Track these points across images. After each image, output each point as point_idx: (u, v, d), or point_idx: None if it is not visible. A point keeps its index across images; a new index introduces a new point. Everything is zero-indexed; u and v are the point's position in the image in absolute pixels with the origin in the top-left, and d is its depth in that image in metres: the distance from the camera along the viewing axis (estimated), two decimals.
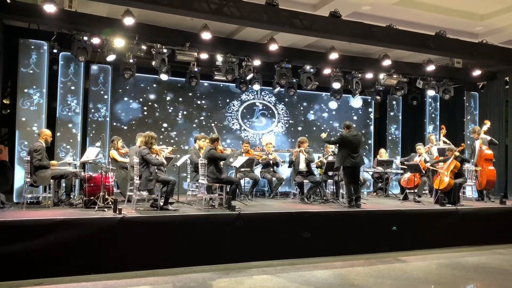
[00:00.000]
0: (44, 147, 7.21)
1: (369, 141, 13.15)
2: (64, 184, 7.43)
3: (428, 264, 6.69)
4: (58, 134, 9.00)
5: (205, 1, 7.05)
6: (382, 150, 11.17)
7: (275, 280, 5.67)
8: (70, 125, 9.10)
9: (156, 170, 7.10)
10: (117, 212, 6.08)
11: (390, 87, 11.90)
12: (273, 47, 8.95)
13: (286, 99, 12.17)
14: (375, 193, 10.97)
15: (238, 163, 8.44)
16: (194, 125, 11.26)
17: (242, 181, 9.10)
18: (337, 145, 8.13)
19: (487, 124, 9.82)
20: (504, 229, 8.42)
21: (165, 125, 10.93)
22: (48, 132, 7.42)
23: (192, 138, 10.94)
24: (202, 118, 11.35)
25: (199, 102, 11.34)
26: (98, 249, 5.73)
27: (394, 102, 13.03)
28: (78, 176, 7.58)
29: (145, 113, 10.77)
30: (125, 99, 10.61)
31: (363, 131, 12.85)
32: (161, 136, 10.54)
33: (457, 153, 8.49)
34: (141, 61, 9.74)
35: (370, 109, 13.27)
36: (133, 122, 10.63)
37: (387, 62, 10.19)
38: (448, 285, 5.64)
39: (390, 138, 12.95)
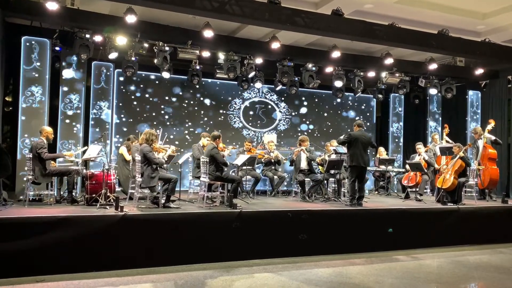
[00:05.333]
0: (46, 144, 7.22)
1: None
2: (66, 182, 7.45)
3: (429, 263, 6.69)
4: (60, 131, 9.01)
5: None
6: (381, 149, 11.17)
7: (276, 278, 5.68)
8: (72, 123, 9.11)
9: (158, 168, 7.11)
10: (119, 210, 6.10)
11: (392, 85, 11.87)
12: (275, 45, 8.94)
13: (288, 97, 12.15)
14: (376, 192, 10.97)
15: (239, 161, 8.45)
16: (196, 123, 11.26)
17: (243, 179, 9.10)
18: (346, 144, 8.05)
19: (492, 123, 9.79)
20: (505, 228, 8.41)
21: (167, 123, 10.93)
22: (49, 129, 7.43)
23: (193, 135, 10.97)
24: (204, 116, 11.34)
25: (201, 100, 11.34)
26: (99, 247, 5.74)
27: (396, 101, 13.00)
28: (80, 174, 7.59)
29: (147, 110, 10.78)
30: (127, 96, 10.62)
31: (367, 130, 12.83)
32: (165, 134, 10.54)
33: (462, 154, 8.49)
34: (143, 59, 9.74)
35: (372, 108, 13.26)
36: (135, 119, 10.63)
37: (389, 61, 10.17)
38: (449, 284, 5.64)
39: (392, 136, 12.94)
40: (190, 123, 11.21)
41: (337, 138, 8.38)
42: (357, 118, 12.58)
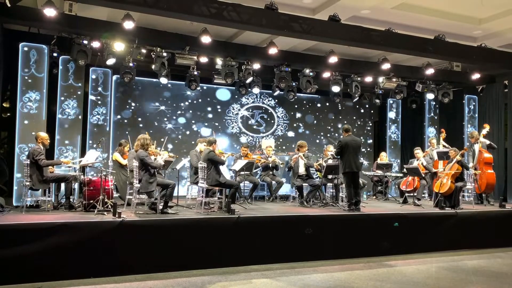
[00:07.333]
0: (43, 150, 7.21)
1: (369, 141, 13.17)
2: (63, 188, 7.43)
3: (427, 268, 6.68)
4: (58, 137, 9.00)
5: (205, 5, 7.07)
6: (383, 154, 11.21)
7: (275, 283, 5.67)
8: (70, 129, 9.09)
9: (156, 173, 7.10)
10: (117, 216, 6.09)
11: (389, 90, 11.93)
12: (272, 50, 8.97)
13: (286, 102, 12.19)
14: (374, 197, 10.97)
15: (237, 167, 8.45)
16: (194, 129, 11.28)
17: (241, 185, 9.10)
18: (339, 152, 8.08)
19: (486, 128, 9.85)
20: (503, 233, 8.42)
21: (164, 128, 10.94)
22: (44, 135, 7.41)
23: (190, 141, 10.97)
24: (202, 121, 11.36)
25: (198, 105, 11.36)
26: (97, 253, 5.72)
27: (393, 106, 13.04)
28: (77, 180, 7.58)
29: (145, 116, 10.79)
30: (125, 102, 10.63)
31: (361, 137, 12.88)
32: (161, 140, 10.55)
33: (459, 157, 8.52)
34: (141, 65, 9.76)
35: (370, 112, 13.30)
36: (133, 125, 10.63)
37: (386, 66, 10.21)
38: None
39: (389, 141, 12.96)
40: (188, 128, 11.22)
41: (334, 145, 8.42)
42: (373, 125, 12.66)
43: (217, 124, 11.50)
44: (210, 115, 11.44)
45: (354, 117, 13.06)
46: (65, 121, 9.07)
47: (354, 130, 12.71)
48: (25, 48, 8.46)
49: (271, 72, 10.54)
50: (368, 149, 13.15)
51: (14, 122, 8.51)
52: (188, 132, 11.23)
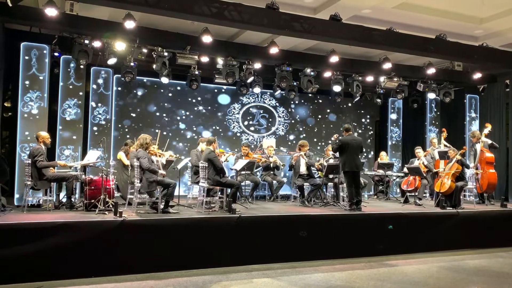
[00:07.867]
0: (44, 149, 7.22)
1: (368, 142, 13.16)
2: (65, 187, 7.44)
3: (428, 267, 6.68)
4: (59, 137, 9.00)
5: (206, 4, 7.07)
6: (383, 153, 11.21)
7: (276, 283, 5.67)
8: (71, 128, 9.10)
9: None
10: (118, 215, 6.10)
11: (390, 90, 11.92)
12: (273, 50, 8.97)
13: (287, 102, 12.19)
14: (375, 196, 10.97)
15: (238, 166, 8.45)
16: (195, 128, 11.28)
17: (242, 184, 9.10)
18: (338, 150, 8.10)
19: (488, 128, 9.83)
20: (504, 232, 8.41)
21: (165, 128, 10.94)
22: (44, 134, 7.42)
23: (191, 141, 10.97)
24: (203, 121, 11.37)
25: (199, 105, 11.37)
26: (98, 252, 5.73)
27: (394, 105, 13.02)
28: (79, 179, 7.59)
29: (146, 116, 10.79)
30: (126, 102, 10.64)
31: (363, 137, 12.87)
32: (162, 140, 10.54)
33: (459, 157, 8.50)
34: (142, 64, 9.76)
35: (370, 112, 13.29)
36: (134, 125, 10.64)
37: (387, 65, 10.19)
38: None
39: (390, 141, 12.95)
40: (189, 128, 11.23)
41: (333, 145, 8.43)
42: (374, 124, 12.61)
43: (217, 127, 11.49)
44: (210, 118, 11.43)
45: (355, 117, 13.04)
46: (66, 121, 9.08)
47: (357, 130, 12.72)
48: (27, 48, 8.47)
49: (272, 71, 10.53)
50: (369, 150, 13.12)
51: (16, 121, 8.53)
52: (188, 136, 11.22)
